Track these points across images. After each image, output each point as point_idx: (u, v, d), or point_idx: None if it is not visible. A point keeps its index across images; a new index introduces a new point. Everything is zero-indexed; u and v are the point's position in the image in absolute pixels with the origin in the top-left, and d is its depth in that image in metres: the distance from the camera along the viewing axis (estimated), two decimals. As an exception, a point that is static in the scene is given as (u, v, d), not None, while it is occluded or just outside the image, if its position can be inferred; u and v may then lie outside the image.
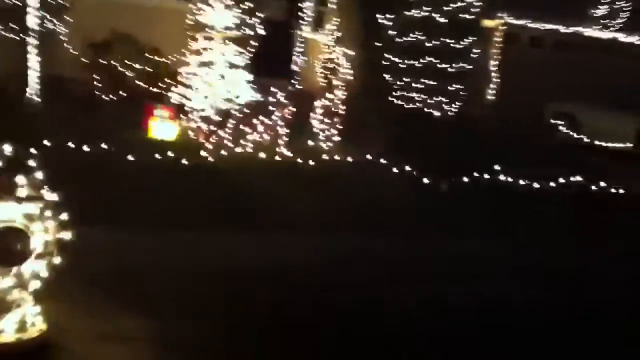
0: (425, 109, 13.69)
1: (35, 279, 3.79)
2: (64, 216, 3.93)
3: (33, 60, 9.48)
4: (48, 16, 10.04)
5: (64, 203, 3.94)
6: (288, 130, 8.82)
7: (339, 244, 5.82)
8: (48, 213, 3.87)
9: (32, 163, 3.96)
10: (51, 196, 3.90)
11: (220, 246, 5.46)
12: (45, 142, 6.88)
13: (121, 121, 8.46)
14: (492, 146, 11.33)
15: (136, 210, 5.64)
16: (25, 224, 3.78)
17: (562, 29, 16.57)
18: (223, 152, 8.13)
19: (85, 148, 7.15)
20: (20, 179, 3.83)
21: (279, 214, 6.33)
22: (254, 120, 8.72)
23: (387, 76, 13.65)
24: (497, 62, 15.73)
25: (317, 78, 13.61)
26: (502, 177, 8.61)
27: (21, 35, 9.87)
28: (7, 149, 3.92)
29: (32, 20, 9.51)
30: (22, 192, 3.81)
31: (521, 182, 8.63)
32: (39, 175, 3.92)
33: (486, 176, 8.58)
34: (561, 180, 8.87)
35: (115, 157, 7.07)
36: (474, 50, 14.41)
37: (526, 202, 7.98)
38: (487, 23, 15.40)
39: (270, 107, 8.90)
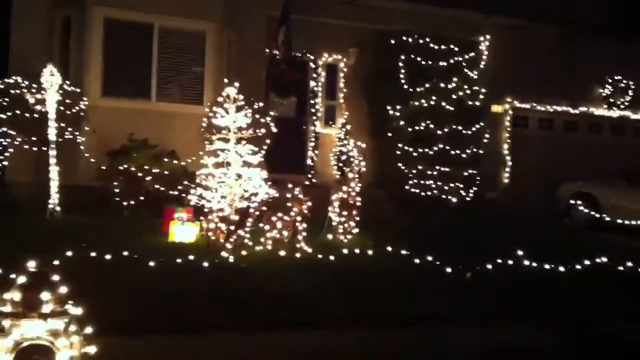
0: (441, 196, 13.72)
1: (62, 397, 3.68)
2: (89, 330, 3.87)
3: (51, 170, 9.66)
4: (66, 127, 10.32)
5: (88, 315, 3.88)
6: (306, 225, 8.79)
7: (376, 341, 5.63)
8: (72, 327, 3.80)
9: (55, 277, 3.93)
10: (75, 310, 3.85)
11: (250, 347, 5.31)
12: (68, 253, 6.87)
13: (142, 226, 8.50)
14: (512, 230, 11.24)
15: (161, 316, 5.54)
16: (50, 341, 3.72)
17: (570, 109, 16.78)
18: (243, 251, 8.09)
19: (107, 256, 7.12)
20: (44, 295, 3.79)
21: (301, 310, 6.17)
22: (272, 217, 8.72)
23: (400, 165, 13.77)
24: (508, 146, 15.90)
25: (331, 171, 13.80)
26: (526, 262, 8.43)
27: (39, 145, 10.12)
28: (31, 264, 3.91)
29: (51, 132, 9.75)
30: (46, 308, 3.77)
31: (546, 266, 8.46)
32: (63, 289, 3.89)
33: (509, 262, 8.41)
34: (586, 262, 8.72)
35: (136, 263, 7.04)
36: (485, 135, 14.59)
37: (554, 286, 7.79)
38: (495, 108, 15.69)
39: (287, 203, 8.91)
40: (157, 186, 10.41)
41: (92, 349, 3.84)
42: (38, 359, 3.67)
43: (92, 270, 6.53)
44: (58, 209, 9.51)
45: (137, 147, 10.70)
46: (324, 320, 5.82)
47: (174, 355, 5.04)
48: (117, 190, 10.25)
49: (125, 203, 10.18)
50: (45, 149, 9.90)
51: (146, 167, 10.47)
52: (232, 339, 5.39)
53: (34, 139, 10.42)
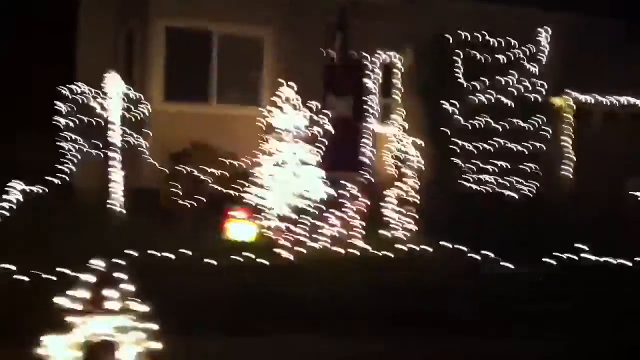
0: (500, 191, 13.50)
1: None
2: (154, 326, 4.02)
3: (116, 174, 9.99)
4: (130, 132, 10.65)
5: (153, 313, 4.03)
6: (363, 223, 8.84)
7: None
8: (138, 324, 3.96)
9: (121, 275, 4.10)
10: (140, 307, 4.01)
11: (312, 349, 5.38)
12: (133, 253, 7.12)
13: (202, 226, 8.71)
14: (576, 226, 10.97)
15: (222, 315, 5.69)
16: (116, 337, 3.88)
17: (636, 102, 16.19)
18: (301, 249, 8.19)
19: (169, 256, 7.34)
20: (111, 292, 3.96)
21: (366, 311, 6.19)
22: (329, 215, 8.80)
23: (457, 161, 13.62)
24: (569, 140, 15.48)
25: (387, 169, 13.76)
26: (590, 257, 8.25)
27: (104, 150, 10.49)
28: (98, 264, 4.09)
29: (115, 136, 10.09)
30: (113, 305, 3.94)
31: (612, 260, 8.26)
32: (129, 286, 4.05)
33: (573, 257, 8.24)
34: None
35: (197, 262, 7.23)
36: (545, 129, 14.29)
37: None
38: (556, 101, 15.30)
39: (344, 201, 8.98)
40: (217, 187, 10.62)
41: (157, 345, 4.00)
42: (106, 354, 3.84)
43: (155, 269, 6.75)
44: (122, 211, 9.83)
45: (198, 149, 10.96)
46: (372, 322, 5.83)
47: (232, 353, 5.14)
48: (179, 192, 10.50)
49: (186, 204, 10.43)
50: (109, 153, 10.24)
51: (207, 168, 10.71)
52: (286, 339, 5.46)
53: (98, 144, 10.78)
